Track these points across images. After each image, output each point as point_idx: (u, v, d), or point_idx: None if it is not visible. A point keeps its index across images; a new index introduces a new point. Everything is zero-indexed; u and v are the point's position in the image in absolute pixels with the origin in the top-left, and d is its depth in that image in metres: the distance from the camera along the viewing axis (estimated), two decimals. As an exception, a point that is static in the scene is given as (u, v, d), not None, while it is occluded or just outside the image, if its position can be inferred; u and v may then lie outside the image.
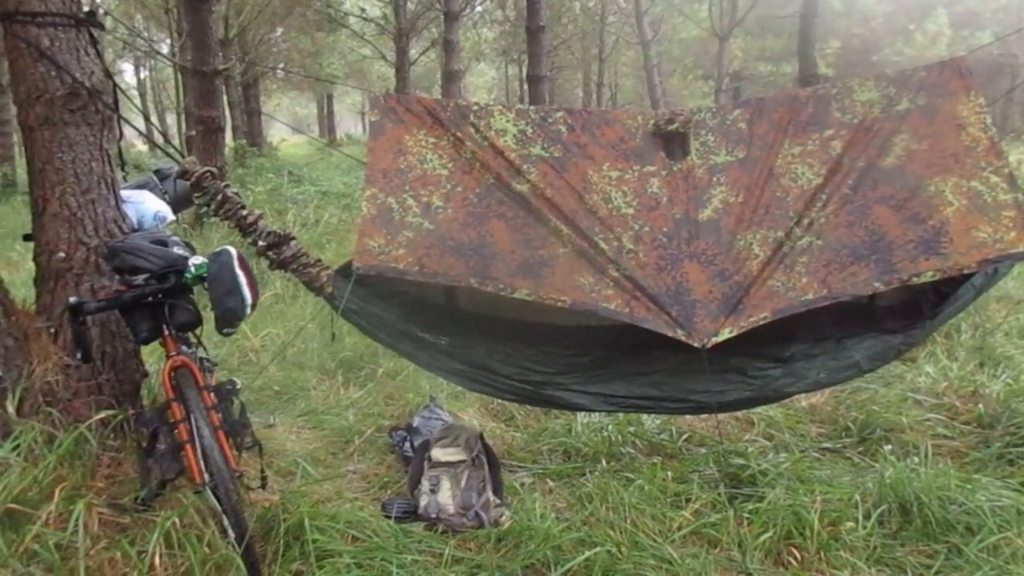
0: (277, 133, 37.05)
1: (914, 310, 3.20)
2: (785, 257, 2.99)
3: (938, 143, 3.07)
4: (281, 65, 26.59)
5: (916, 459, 3.55)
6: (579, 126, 3.17)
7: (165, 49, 20.61)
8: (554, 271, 2.99)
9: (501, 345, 3.20)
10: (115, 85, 3.27)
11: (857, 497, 3.17)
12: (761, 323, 2.94)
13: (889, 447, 3.72)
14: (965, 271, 2.97)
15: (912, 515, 3.17)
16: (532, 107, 3.27)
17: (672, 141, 3.16)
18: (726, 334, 2.92)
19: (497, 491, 3.44)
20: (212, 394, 2.85)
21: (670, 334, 2.93)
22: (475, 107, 3.20)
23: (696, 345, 2.91)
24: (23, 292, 3.58)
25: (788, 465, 3.55)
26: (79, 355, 2.77)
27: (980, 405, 4.18)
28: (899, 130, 3.09)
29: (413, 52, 21.44)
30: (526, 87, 12.71)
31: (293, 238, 3.17)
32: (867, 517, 3.14)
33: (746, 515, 3.16)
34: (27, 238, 3.26)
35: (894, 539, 3.11)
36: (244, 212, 3.12)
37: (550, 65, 19.61)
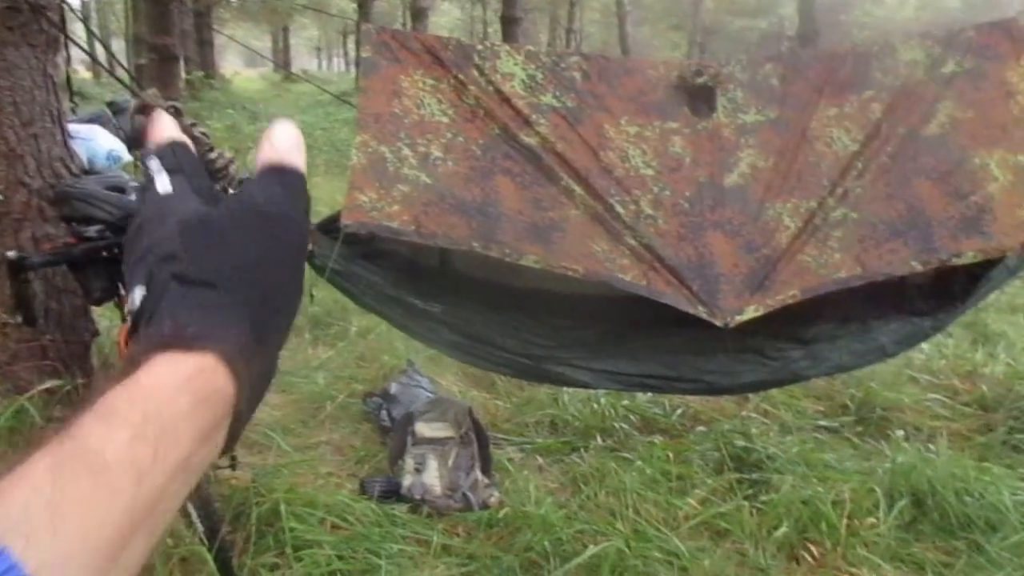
0: (230, 66, 35.66)
1: (946, 292, 2.98)
2: (817, 230, 2.72)
3: (985, 112, 2.82)
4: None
5: (926, 445, 3.38)
6: (596, 74, 2.82)
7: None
8: (565, 236, 2.68)
9: (501, 315, 2.90)
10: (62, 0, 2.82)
11: (877, 489, 2.97)
12: (789, 302, 2.68)
13: (901, 432, 3.53)
14: (1008, 252, 2.75)
15: (927, 507, 3.00)
16: (543, 50, 2.92)
17: (698, 96, 2.85)
18: (751, 312, 2.66)
19: (486, 470, 3.18)
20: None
21: (691, 310, 2.66)
22: (479, 47, 2.84)
23: (718, 324, 2.64)
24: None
25: (796, 450, 3.35)
26: (19, 316, 2.39)
27: (984, 387, 4.03)
28: (944, 95, 2.82)
29: (377, -14, 20.57)
30: (493, 29, 12.20)
31: (269, 187, 2.80)
32: (878, 507, 2.96)
33: (759, 506, 2.94)
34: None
35: (908, 533, 2.94)
36: (213, 155, 2.72)
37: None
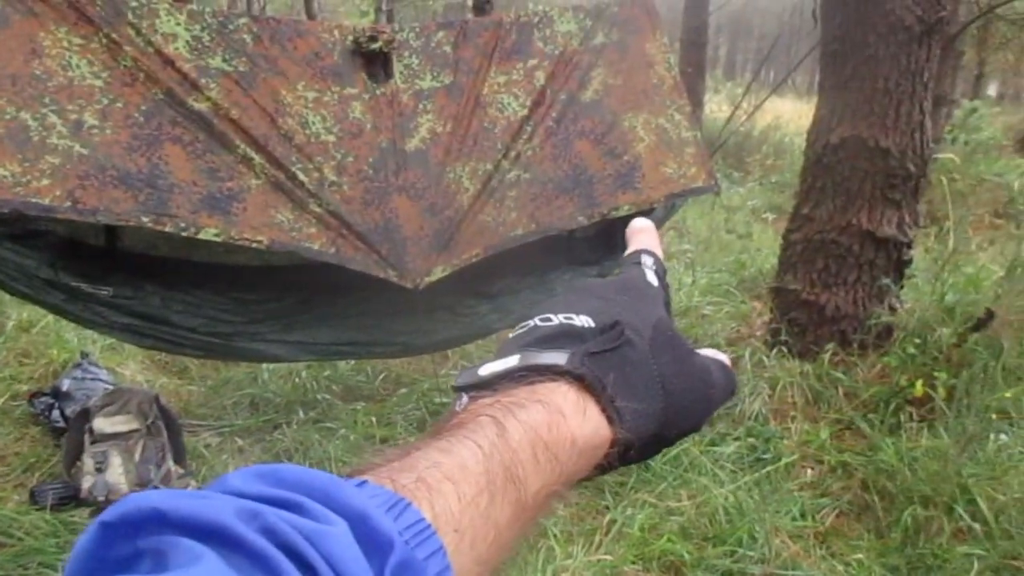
0: None
1: (609, 243, 3.31)
2: (495, 191, 2.89)
3: (630, 79, 3.16)
4: None
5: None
6: (267, 36, 2.72)
7: None
8: (246, 207, 2.57)
9: (182, 293, 2.72)
10: None
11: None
12: (474, 260, 2.82)
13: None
14: (655, 205, 3.12)
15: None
16: (208, 10, 2.75)
17: (374, 61, 2.86)
18: (439, 273, 2.77)
19: (179, 459, 3.00)
20: None
21: (381, 275, 2.70)
22: (133, 3, 2.59)
23: (409, 286, 2.71)
24: None
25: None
26: None
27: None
28: (596, 64, 3.11)
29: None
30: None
31: None
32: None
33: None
34: None
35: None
36: None
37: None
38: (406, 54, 2.91)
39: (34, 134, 2.36)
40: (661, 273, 0.61)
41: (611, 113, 3.09)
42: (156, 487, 2.82)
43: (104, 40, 2.49)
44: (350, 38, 2.83)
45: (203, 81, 2.58)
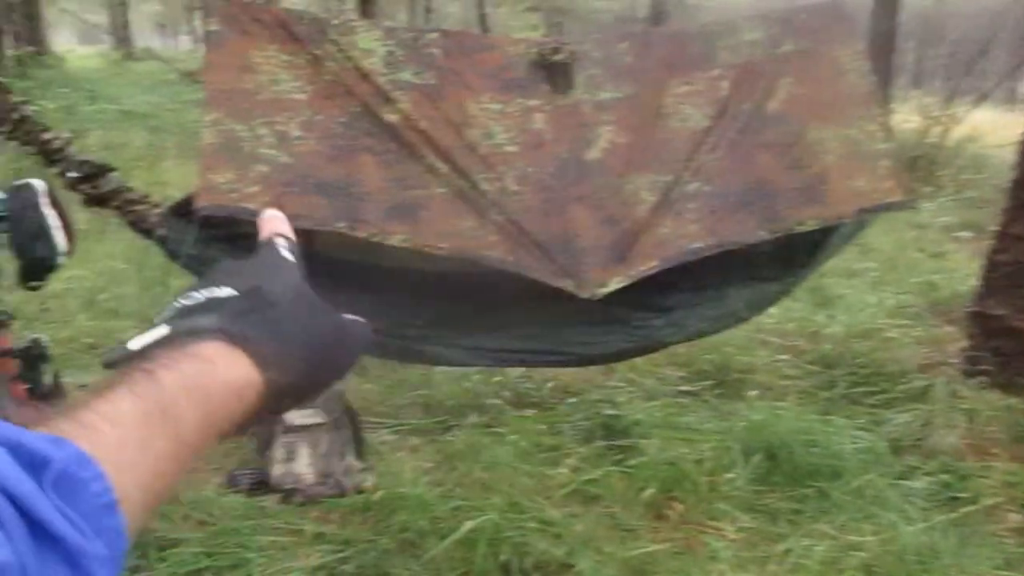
0: (64, 42, 33.14)
1: (790, 258, 3.17)
2: (674, 203, 2.84)
3: (819, 89, 3.02)
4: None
5: (776, 403, 3.60)
6: (456, 50, 2.82)
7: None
8: (431, 214, 2.67)
9: (371, 296, 2.85)
10: None
11: (735, 446, 3.14)
12: (651, 272, 2.79)
13: (755, 392, 3.75)
14: (843, 220, 2.96)
15: (779, 460, 3.20)
16: (401, 26, 2.88)
17: (556, 73, 2.89)
18: (615, 284, 2.75)
19: (359, 454, 3.13)
20: (16, 360, 2.32)
21: (558, 284, 2.72)
22: (335, 22, 2.78)
23: (585, 296, 2.71)
24: None
25: (660, 415, 3.49)
26: None
27: (826, 346, 4.34)
28: (783, 73, 3.00)
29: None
30: (349, 5, 11.92)
31: (113, 169, 2.64)
32: (735, 463, 3.14)
33: (627, 470, 3.05)
34: None
35: (763, 484, 3.13)
36: (48, 135, 2.54)
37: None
38: (588, 65, 2.92)
39: (245, 144, 2.56)
40: (295, 252, 0.67)
41: (797, 124, 2.97)
42: (339, 479, 2.97)
43: (309, 57, 2.67)
44: (534, 51, 2.88)
45: (395, 94, 2.71)
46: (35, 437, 0.39)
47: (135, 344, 0.54)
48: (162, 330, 0.54)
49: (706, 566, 2.58)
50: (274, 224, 0.73)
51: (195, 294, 0.57)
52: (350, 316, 0.67)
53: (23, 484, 0.36)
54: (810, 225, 2.90)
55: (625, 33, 2.94)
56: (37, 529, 0.36)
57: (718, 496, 2.97)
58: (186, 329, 0.53)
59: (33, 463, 0.38)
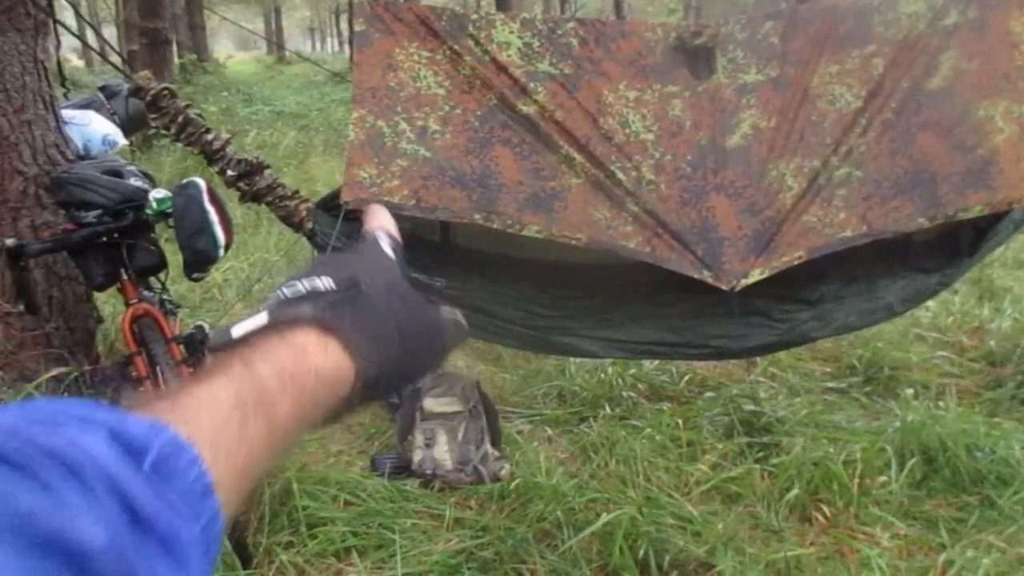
0: (223, 49, 35.38)
1: (952, 247, 2.95)
2: (821, 190, 2.70)
3: (989, 62, 2.77)
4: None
5: (935, 403, 3.37)
6: (592, 39, 2.78)
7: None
8: (567, 205, 2.66)
9: (505, 286, 2.88)
10: (49, -16, 2.79)
11: (888, 447, 2.96)
12: (795, 263, 2.66)
13: (910, 391, 3.52)
14: (1015, 205, 2.72)
15: (938, 464, 2.99)
16: (539, 17, 2.88)
17: (697, 57, 2.80)
18: (756, 275, 2.65)
19: (495, 442, 3.18)
20: (181, 346, 2.50)
21: (696, 275, 2.64)
22: (474, 16, 2.80)
23: (724, 287, 2.63)
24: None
25: (805, 412, 3.34)
26: (21, 305, 2.38)
27: (991, 342, 4.01)
28: (947, 47, 2.78)
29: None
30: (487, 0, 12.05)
31: (267, 166, 2.77)
32: (889, 466, 2.96)
33: (769, 469, 2.94)
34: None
35: (919, 490, 2.94)
36: (210, 136, 2.70)
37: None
38: (730, 48, 2.81)
39: (387, 140, 2.64)
40: (398, 250, 0.69)
41: (963, 102, 2.74)
42: (476, 467, 3.02)
43: (448, 52, 2.71)
44: (673, 35, 2.81)
45: (531, 85, 2.71)
46: (136, 421, 0.41)
47: (237, 331, 0.56)
48: (263, 318, 0.56)
49: (858, 574, 2.45)
50: (379, 218, 0.75)
51: (297, 284, 0.59)
52: (447, 309, 0.69)
53: (121, 468, 0.37)
54: (976, 212, 2.68)
55: (771, 12, 2.80)
56: (133, 513, 0.37)
57: (870, 500, 2.81)
58: (285, 317, 0.56)
59: (132, 447, 0.39)
